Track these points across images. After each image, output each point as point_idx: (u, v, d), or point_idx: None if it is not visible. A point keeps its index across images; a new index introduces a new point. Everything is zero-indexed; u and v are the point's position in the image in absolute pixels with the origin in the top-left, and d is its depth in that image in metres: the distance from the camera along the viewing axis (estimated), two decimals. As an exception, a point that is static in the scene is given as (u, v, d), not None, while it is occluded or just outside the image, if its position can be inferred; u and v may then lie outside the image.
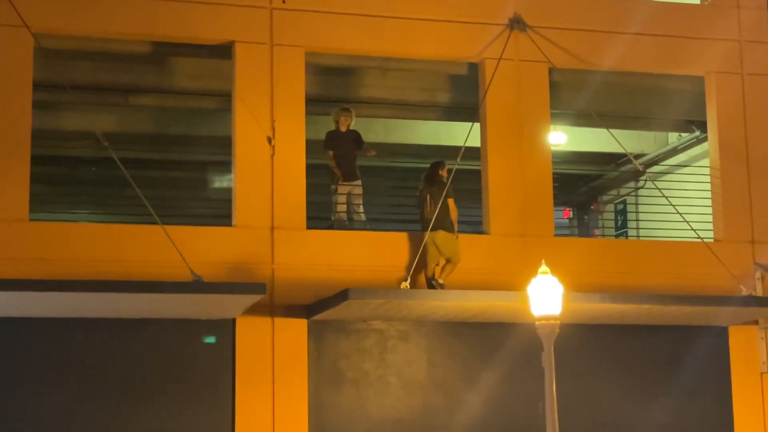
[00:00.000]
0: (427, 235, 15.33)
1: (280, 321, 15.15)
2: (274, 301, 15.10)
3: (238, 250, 15.13)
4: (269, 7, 15.77)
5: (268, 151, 15.47)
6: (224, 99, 16.21)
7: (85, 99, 16.66)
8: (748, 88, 17.64)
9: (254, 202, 15.37)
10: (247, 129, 15.50)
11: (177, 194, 18.96)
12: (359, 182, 16.16)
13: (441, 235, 15.39)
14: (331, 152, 16.14)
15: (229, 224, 15.39)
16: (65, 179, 19.27)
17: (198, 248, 14.76)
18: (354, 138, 16.27)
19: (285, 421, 15.03)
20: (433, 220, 15.37)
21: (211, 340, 14.92)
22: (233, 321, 15.00)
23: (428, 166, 16.03)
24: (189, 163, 19.24)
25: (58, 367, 14.45)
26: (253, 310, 14.73)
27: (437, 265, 15.32)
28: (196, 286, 13.95)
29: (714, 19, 17.71)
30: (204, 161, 18.96)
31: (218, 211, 16.71)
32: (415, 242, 15.38)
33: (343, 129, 16.24)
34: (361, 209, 16.12)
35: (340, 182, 16.06)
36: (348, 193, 16.05)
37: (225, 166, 16.09)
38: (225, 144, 16.02)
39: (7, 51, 14.83)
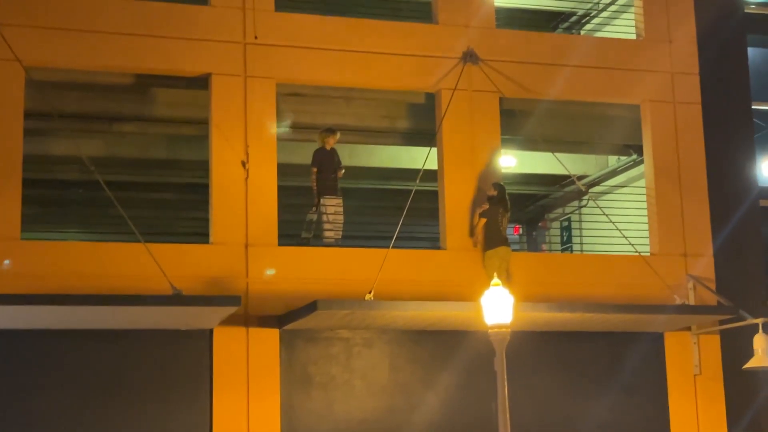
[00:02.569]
0: (501, 249, 15.65)
1: (254, 330, 15.11)
2: (249, 312, 15.04)
3: (215, 265, 15.08)
4: (243, 42, 15.77)
5: (243, 174, 15.44)
6: (202, 126, 16.16)
7: (73, 126, 16.54)
8: (679, 115, 17.78)
9: (230, 220, 15.32)
10: (223, 154, 15.46)
11: (158, 214, 18.84)
12: (340, 197, 16.17)
13: (506, 251, 15.72)
14: (315, 169, 16.11)
15: (207, 241, 15.34)
16: (55, 201, 19.10)
17: (178, 264, 14.70)
18: (335, 155, 16.32)
19: (259, 423, 14.96)
20: (501, 238, 15.73)
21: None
22: (211, 331, 14.95)
23: (497, 188, 16.10)
24: (169, 185, 19.13)
25: (48, 375, 14.34)
26: (229, 321, 14.69)
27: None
28: (176, 299, 13.90)
29: (649, 53, 17.84)
30: (183, 183, 18.86)
31: (196, 230, 16.63)
32: (378, 257, 15.35)
33: (329, 147, 16.24)
34: (340, 225, 16.11)
35: (325, 196, 16.03)
36: (334, 205, 16.06)
37: (202, 188, 16.00)
38: (202, 167, 15.97)
39: (0, 83, 14.75)
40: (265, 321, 15.12)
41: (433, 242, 16.88)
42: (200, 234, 15.80)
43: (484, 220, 15.98)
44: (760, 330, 15.53)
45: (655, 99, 17.73)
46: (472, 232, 16.13)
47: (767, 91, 19.41)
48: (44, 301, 13.26)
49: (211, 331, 14.95)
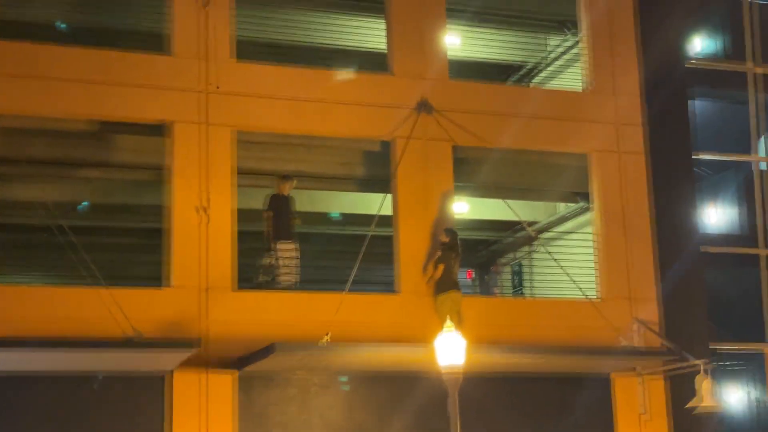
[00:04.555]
0: (453, 293, 15.58)
1: (213, 373, 14.92)
2: (208, 355, 14.85)
3: (175, 308, 14.91)
4: (204, 91, 15.70)
5: (203, 219, 15.30)
6: (163, 172, 15.98)
7: (39, 172, 16.31)
8: (624, 164, 17.83)
9: (189, 264, 15.18)
10: (183, 199, 15.33)
11: (120, 258, 18.53)
12: (295, 242, 16.05)
13: (457, 294, 15.66)
14: (272, 213, 15.99)
15: (168, 285, 15.16)
16: (20, 245, 18.73)
17: (138, 307, 14.53)
18: (291, 202, 16.23)
19: (217, 464, 14.76)
20: (452, 282, 15.70)
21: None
22: (171, 373, 14.74)
23: (449, 234, 16.03)
24: (131, 229, 18.86)
25: (7, 420, 13.97)
26: (188, 363, 14.49)
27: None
28: (136, 342, 13.72)
29: (595, 104, 17.93)
30: (144, 228, 18.59)
31: (157, 274, 16.38)
32: (334, 302, 15.21)
33: (286, 193, 16.16)
34: (296, 269, 16.00)
35: (280, 241, 15.87)
36: (289, 250, 15.93)
37: (161, 232, 15.76)
38: (158, 212, 15.77)
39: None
40: (224, 363, 14.95)
41: (388, 286, 16.80)
42: (161, 278, 15.54)
43: (442, 266, 15.88)
44: (701, 371, 15.50)
45: (600, 149, 17.80)
46: (425, 269, 15.98)
47: (712, 140, 19.54)
48: (4, 344, 12.88)
49: (171, 373, 14.74)
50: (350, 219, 19.44)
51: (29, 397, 14.09)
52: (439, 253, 16.02)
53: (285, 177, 16.27)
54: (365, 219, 16.88)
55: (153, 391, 14.63)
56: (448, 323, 13.33)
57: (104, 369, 14.28)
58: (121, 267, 17.78)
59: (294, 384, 15.34)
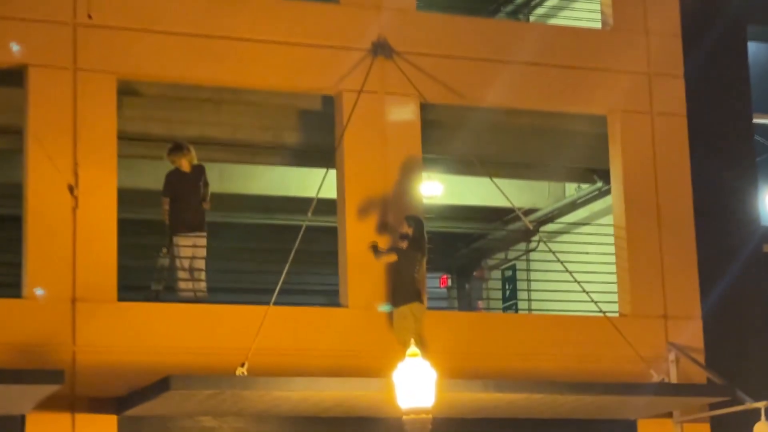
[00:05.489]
0: (414, 305, 15.69)
1: (82, 417, 14.83)
2: (76, 393, 14.78)
3: (28, 327, 14.79)
4: (72, 23, 15.57)
5: (70, 202, 15.20)
6: (14, 137, 15.93)
7: None
8: (658, 130, 17.95)
9: (51, 266, 15.09)
10: (42, 175, 15.24)
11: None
12: (204, 234, 16.09)
13: (419, 308, 15.78)
14: (167, 198, 16.03)
15: (18, 295, 15.06)
16: None
17: (-23, 325, 14.47)
18: (198, 179, 16.25)
19: None
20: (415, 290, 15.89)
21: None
22: (22, 418, 14.65)
23: (413, 223, 16.07)
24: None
25: None
26: (48, 405, 14.35)
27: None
28: (-26, 374, 13.53)
29: (619, 47, 18.03)
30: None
31: (5, 279, 16.27)
32: (255, 317, 15.24)
33: (186, 168, 16.18)
34: (203, 272, 16.05)
35: (180, 233, 15.87)
36: (192, 246, 15.97)
37: (15, 221, 15.70)
38: (15, 194, 15.71)
39: None
40: (99, 404, 14.90)
41: (331, 297, 16.84)
42: (10, 285, 15.53)
43: (393, 257, 15.97)
44: (763, 417, 15.65)
45: (626, 108, 17.91)
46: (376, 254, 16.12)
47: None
48: None
49: (22, 419, 14.68)
50: (278, 204, 19.50)
51: None
52: (400, 247, 16.02)
53: (177, 148, 16.25)
54: (299, 204, 16.88)
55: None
56: (412, 348, 13.37)
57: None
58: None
59: (197, 434, 15.38)
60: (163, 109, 17.03)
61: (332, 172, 16.43)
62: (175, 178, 16.22)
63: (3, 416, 14.52)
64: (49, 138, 15.28)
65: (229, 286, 17.87)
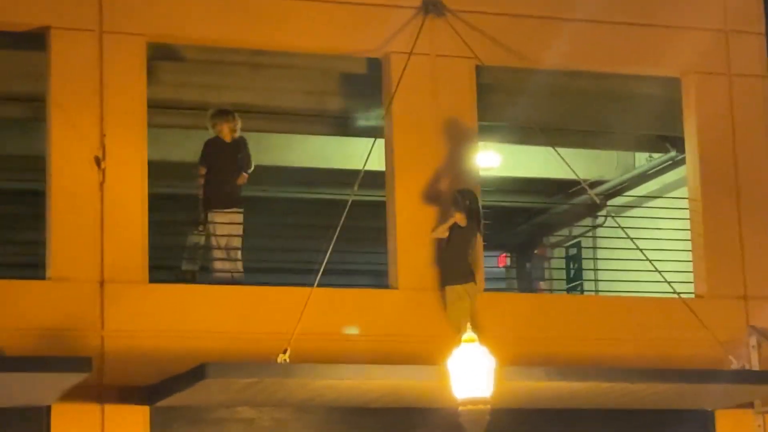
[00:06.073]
0: (469, 286, 15.84)
1: (111, 408, 14.98)
2: (104, 382, 14.92)
3: (53, 311, 14.94)
4: (97, -19, 15.78)
5: (96, 176, 15.34)
6: (36, 106, 16.11)
7: None
8: (737, 93, 17.94)
9: (76, 245, 15.23)
10: (67, 146, 15.41)
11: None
12: (241, 210, 16.19)
13: (474, 288, 15.96)
14: (204, 169, 16.13)
15: (43, 276, 15.23)
16: None
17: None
18: (240, 151, 16.37)
19: None
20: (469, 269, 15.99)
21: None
22: (47, 410, 14.80)
23: (466, 198, 16.18)
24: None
25: None
26: (74, 395, 14.45)
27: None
28: (-5, 362, 13.73)
29: (692, 3, 17.99)
30: (8, 190, 18.69)
31: (27, 259, 16.48)
32: (298, 300, 15.29)
33: (227, 138, 16.28)
34: (240, 251, 16.13)
35: (216, 209, 15.97)
36: (229, 223, 16.07)
37: (38, 196, 15.88)
38: (38, 167, 15.84)
39: None
40: (129, 394, 15.02)
41: (379, 278, 16.85)
42: (33, 266, 15.67)
43: (446, 233, 16.12)
44: None
45: (701, 69, 17.90)
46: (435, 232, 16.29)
47: None
48: None
49: (48, 410, 14.81)
50: (319, 177, 19.59)
51: None
52: (457, 220, 16.15)
53: (222, 113, 16.34)
54: (343, 176, 16.98)
55: (23, 434, 14.72)
56: (469, 333, 13.42)
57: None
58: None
59: (234, 425, 15.43)
60: (196, 74, 17.11)
61: (379, 142, 16.49)
62: (213, 147, 16.32)
63: (27, 407, 14.66)
64: (73, 106, 15.42)
65: (266, 266, 17.93)
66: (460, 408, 13.27)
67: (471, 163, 16.82)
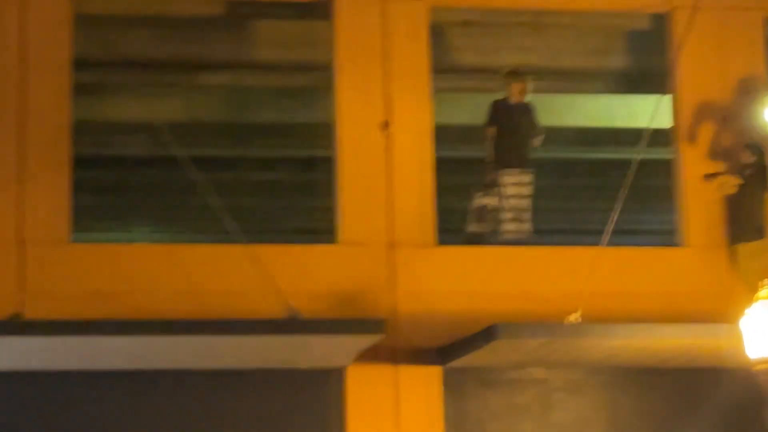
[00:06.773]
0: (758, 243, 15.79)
1: (405, 369, 15.22)
2: (397, 344, 15.13)
3: (345, 275, 15.28)
4: (367, -52, 16.00)
5: (383, 141, 15.58)
6: (321, 74, 16.33)
7: (139, 79, 16.87)
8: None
9: (365, 210, 15.53)
10: (352, 112, 15.69)
11: (261, 202, 19.08)
12: (530, 171, 16.20)
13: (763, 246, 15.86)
14: (493, 129, 16.16)
15: (333, 241, 15.55)
16: (114, 186, 19.48)
17: (293, 274, 14.93)
18: (528, 113, 16.36)
19: (415, 504, 15.20)
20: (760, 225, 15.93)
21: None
22: (342, 371, 15.10)
23: (755, 152, 16.07)
24: (276, 160, 19.38)
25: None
26: (368, 356, 14.77)
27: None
28: (292, 324, 14.02)
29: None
30: (296, 158, 19.07)
31: (318, 225, 16.81)
32: (585, 261, 15.21)
33: (514, 99, 16.33)
34: (528, 212, 16.14)
35: (506, 171, 16.05)
36: (518, 183, 16.11)
37: (324, 163, 16.20)
38: (324, 134, 16.16)
39: (38, 18, 15.11)
40: (421, 355, 15.23)
41: (666, 236, 16.78)
42: (323, 231, 15.94)
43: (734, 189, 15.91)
44: None
45: None
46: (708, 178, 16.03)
47: None
48: (107, 329, 13.48)
49: (342, 372, 15.11)
50: (602, 136, 19.46)
51: (135, 399, 14.75)
52: (738, 180, 15.92)
53: (512, 73, 16.34)
54: (626, 135, 16.87)
55: (318, 397, 15.00)
56: (765, 290, 13.13)
57: (244, 365, 14.75)
58: (265, 214, 18.31)
59: (526, 388, 15.52)
60: (479, 37, 17.22)
61: (665, 99, 16.28)
62: (500, 107, 16.28)
63: (322, 369, 14.97)
64: (358, 73, 15.70)
65: (547, 227, 17.90)
66: (756, 368, 12.97)
67: (759, 117, 16.51)
